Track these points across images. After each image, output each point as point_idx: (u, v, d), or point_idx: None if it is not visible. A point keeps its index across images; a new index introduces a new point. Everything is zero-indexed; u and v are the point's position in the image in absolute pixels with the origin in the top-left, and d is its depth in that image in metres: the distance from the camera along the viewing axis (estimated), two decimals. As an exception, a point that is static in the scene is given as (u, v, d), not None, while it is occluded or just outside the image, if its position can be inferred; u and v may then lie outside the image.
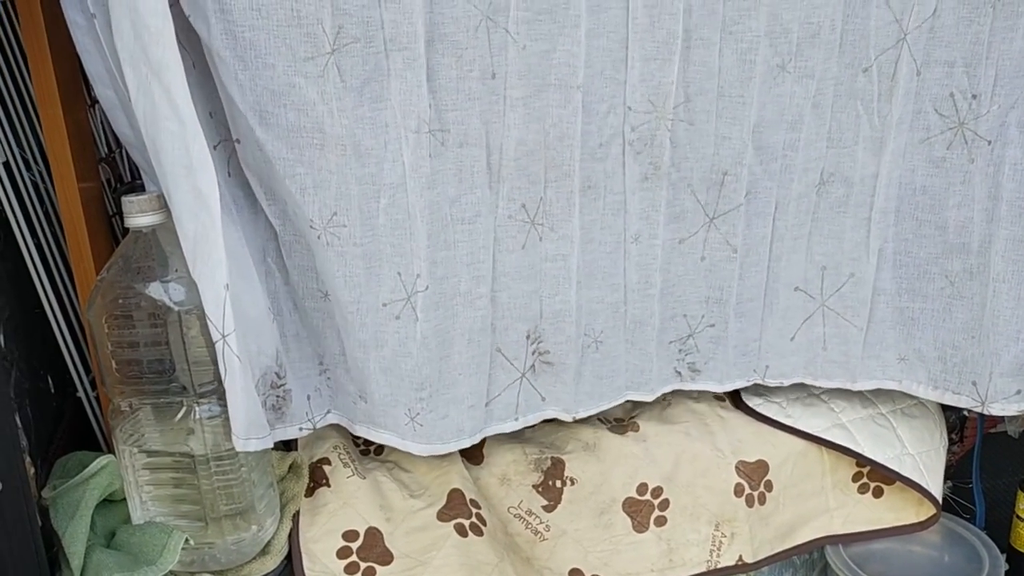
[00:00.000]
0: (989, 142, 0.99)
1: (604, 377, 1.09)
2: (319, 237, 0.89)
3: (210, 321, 0.84)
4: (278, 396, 0.97)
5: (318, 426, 1.04)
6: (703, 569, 1.16)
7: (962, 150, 1.00)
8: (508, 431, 1.07)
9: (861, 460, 1.17)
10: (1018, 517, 1.21)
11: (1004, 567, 1.15)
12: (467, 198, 0.94)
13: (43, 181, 1.08)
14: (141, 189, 0.99)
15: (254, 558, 0.96)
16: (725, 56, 0.95)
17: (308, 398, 1.02)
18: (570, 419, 1.08)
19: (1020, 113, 0.98)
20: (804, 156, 1.02)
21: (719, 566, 1.16)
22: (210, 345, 0.86)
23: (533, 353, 1.04)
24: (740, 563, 1.16)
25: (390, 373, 0.96)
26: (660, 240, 1.04)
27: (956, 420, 1.27)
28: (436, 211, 0.92)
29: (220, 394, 0.88)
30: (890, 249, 1.07)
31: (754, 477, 1.17)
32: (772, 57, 0.96)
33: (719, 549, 1.16)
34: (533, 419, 1.08)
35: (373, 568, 1.00)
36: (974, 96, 0.97)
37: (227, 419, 0.88)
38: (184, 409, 0.90)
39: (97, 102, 0.95)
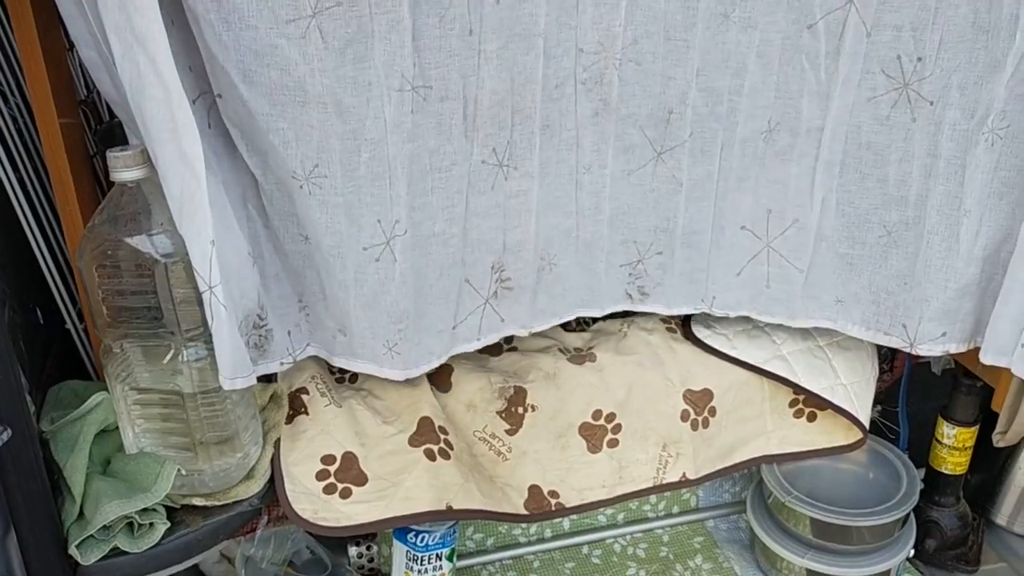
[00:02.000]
0: (931, 103, 1.03)
1: (556, 295, 1.17)
2: (301, 187, 0.94)
3: (197, 274, 0.89)
4: (260, 335, 1.03)
5: (298, 359, 1.11)
6: (650, 484, 1.27)
7: (905, 109, 1.04)
8: (471, 350, 1.15)
9: (798, 389, 1.27)
10: (936, 440, 1.33)
11: (920, 485, 1.27)
12: (445, 148, 0.98)
13: (22, 117, 1.10)
14: (120, 129, 1.03)
15: (240, 482, 1.04)
16: (670, 1, 1.01)
17: (288, 334, 1.09)
18: (526, 333, 1.17)
19: (961, 76, 1.01)
20: (750, 103, 1.07)
21: (664, 482, 1.27)
22: (196, 294, 0.91)
23: (496, 281, 1.11)
24: (683, 479, 1.28)
25: (370, 309, 1.02)
26: (609, 171, 1.10)
27: (888, 351, 1.37)
28: (416, 162, 0.97)
29: (206, 338, 0.94)
30: (833, 199, 1.12)
31: (699, 404, 1.27)
32: (715, 5, 1.01)
33: (665, 467, 1.27)
34: (493, 338, 1.16)
35: (349, 488, 1.09)
36: (919, 59, 1.01)
37: (213, 360, 0.94)
38: (172, 351, 0.96)
39: (75, 45, 0.97)
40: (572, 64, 1.02)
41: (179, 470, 0.98)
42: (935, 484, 1.35)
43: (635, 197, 1.13)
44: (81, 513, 0.95)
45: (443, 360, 1.12)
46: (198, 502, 1.01)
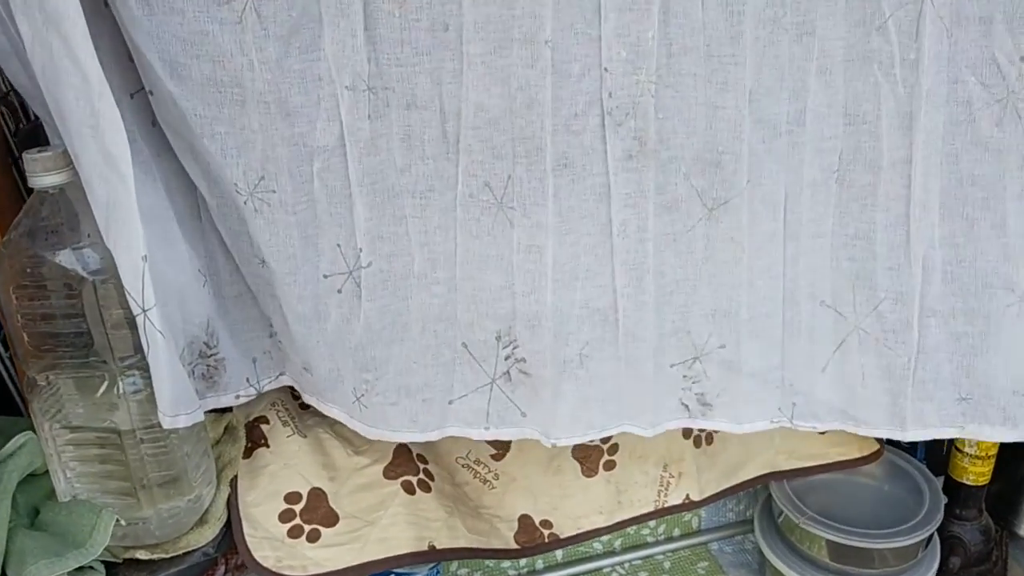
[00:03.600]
0: None
1: (592, 400, 0.93)
2: (246, 203, 0.80)
3: (129, 295, 0.77)
4: (208, 365, 0.91)
5: (265, 390, 0.97)
6: (651, 509, 1.16)
7: (1015, 126, 0.82)
8: (476, 439, 0.95)
9: (808, 398, 1.16)
10: (957, 449, 1.22)
11: (943, 499, 1.17)
12: (418, 168, 0.82)
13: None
14: (44, 130, 0.90)
15: (191, 528, 0.91)
16: (709, 7, 0.80)
17: (254, 361, 0.96)
18: (549, 444, 0.94)
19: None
20: (814, 133, 0.85)
21: (667, 505, 1.16)
22: (130, 317, 0.79)
23: (507, 359, 0.90)
24: (687, 501, 1.17)
25: (334, 347, 0.88)
26: (651, 234, 0.86)
27: (901, 354, 1.26)
28: (379, 180, 0.82)
29: (144, 366, 0.81)
30: (938, 257, 0.88)
31: (702, 418, 1.15)
32: (764, 9, 0.80)
33: (667, 489, 1.16)
34: (509, 434, 0.94)
35: (318, 530, 0.97)
36: (1022, 59, 0.81)
37: (153, 393, 0.82)
38: (106, 383, 0.83)
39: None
40: (596, 87, 0.80)
41: (118, 520, 0.85)
42: (956, 496, 1.24)
43: (685, 270, 0.89)
44: (3, 574, 0.81)
45: (431, 436, 0.94)
46: (143, 555, 0.88)
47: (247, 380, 0.96)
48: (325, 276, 0.85)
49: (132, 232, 0.75)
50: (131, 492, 0.87)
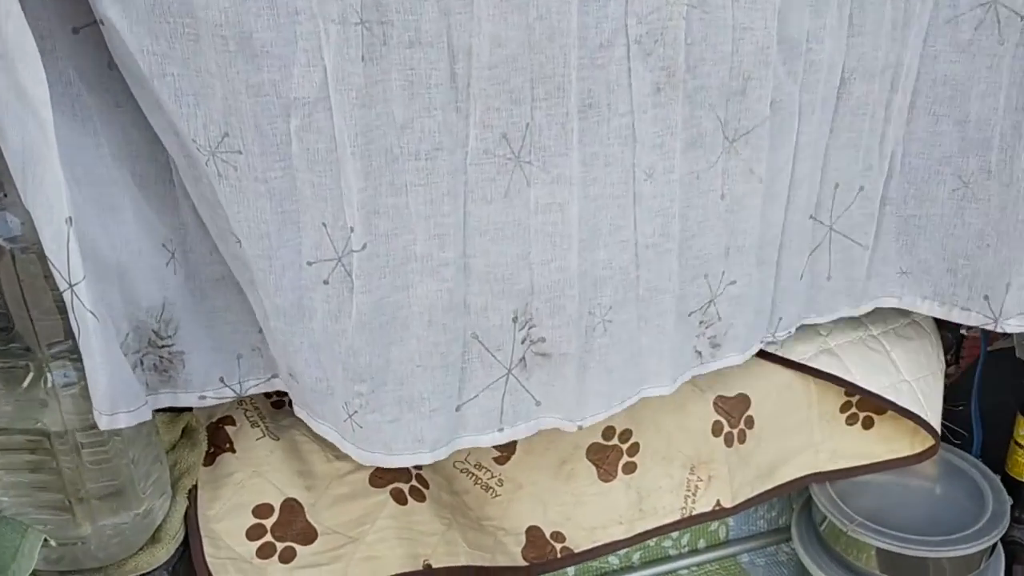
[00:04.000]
0: (1023, 17, 0.82)
1: (615, 369, 0.84)
2: (207, 163, 0.66)
3: (52, 266, 0.63)
4: (160, 356, 0.76)
5: (248, 393, 0.82)
6: (677, 517, 1.02)
7: (992, 30, 0.84)
8: (489, 444, 0.83)
9: (852, 389, 1.03)
10: (1017, 444, 1.09)
11: (1009, 501, 1.03)
12: (423, 123, 0.68)
13: None
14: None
15: (142, 548, 0.78)
16: None
17: (239, 358, 0.80)
18: (574, 429, 0.84)
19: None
20: (830, 49, 0.81)
21: (695, 513, 1.03)
22: (58, 296, 0.65)
23: (523, 342, 0.79)
24: (718, 508, 1.03)
25: (321, 351, 0.74)
26: (677, 175, 0.79)
27: (952, 340, 1.14)
28: (375, 140, 0.67)
29: (77, 355, 0.67)
30: (900, 152, 0.91)
31: (733, 413, 1.02)
32: None
33: (695, 495, 1.02)
34: (525, 430, 0.83)
35: (292, 549, 0.84)
36: None
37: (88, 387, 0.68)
38: (32, 374, 0.70)
39: None
40: (621, 12, 0.71)
41: (47, 541, 0.70)
42: (1016, 496, 1.10)
43: (705, 210, 0.83)
44: (-93, 610, 0.67)
45: (439, 456, 0.80)
46: (81, 582, 0.74)
47: (221, 379, 0.80)
48: (309, 263, 0.70)
49: (53, 189, 0.61)
50: (66, 506, 0.73)
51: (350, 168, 0.67)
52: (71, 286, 0.63)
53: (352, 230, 0.69)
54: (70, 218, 0.62)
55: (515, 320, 0.78)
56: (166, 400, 0.79)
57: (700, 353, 0.91)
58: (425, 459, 0.79)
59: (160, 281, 0.75)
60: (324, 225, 0.69)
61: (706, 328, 0.89)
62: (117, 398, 0.68)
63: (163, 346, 0.77)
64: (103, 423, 0.68)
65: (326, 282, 0.71)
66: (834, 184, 0.90)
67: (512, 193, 0.73)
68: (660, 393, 0.88)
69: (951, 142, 0.89)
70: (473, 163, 0.71)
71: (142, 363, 0.75)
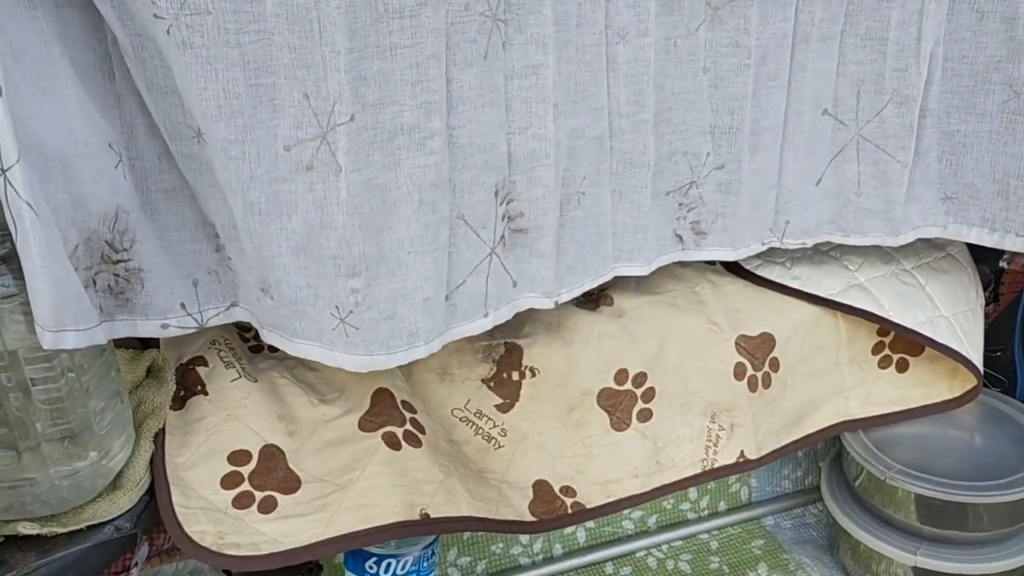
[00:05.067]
0: None
1: (588, 243, 0.82)
2: (169, 32, 0.58)
3: (-25, 142, 0.54)
4: (116, 275, 0.68)
5: (209, 324, 0.74)
6: (698, 471, 0.93)
7: None
8: (478, 331, 0.77)
9: (885, 327, 0.95)
10: (1064, 386, 1.01)
11: (1059, 446, 0.95)
12: None
13: None
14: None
15: (100, 495, 0.69)
16: None
17: (195, 284, 0.72)
18: (551, 305, 0.80)
19: None
20: None
21: (716, 465, 0.94)
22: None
23: (503, 218, 0.75)
24: (742, 460, 0.94)
25: (305, 254, 0.67)
26: (652, 38, 0.77)
27: (991, 275, 1.06)
28: None
29: (15, 259, 0.59)
30: (940, 53, 0.83)
31: (757, 355, 0.94)
32: None
33: (716, 445, 0.93)
34: (507, 312, 0.79)
35: (273, 498, 0.74)
36: None
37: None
38: (-37, 286, 0.61)
39: None
40: None
41: (-16, 479, 0.61)
42: (1063, 446, 1.02)
43: (685, 81, 0.81)
44: None
45: (433, 348, 0.74)
46: (28, 529, 0.66)
47: (183, 306, 0.73)
48: (287, 148, 0.64)
49: None
50: (11, 443, 0.64)
51: (334, 27, 0.60)
52: (3, 171, 0.54)
53: (336, 102, 0.62)
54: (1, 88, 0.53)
55: (496, 194, 0.74)
56: (124, 329, 0.70)
57: (681, 238, 0.88)
58: (419, 353, 0.73)
59: (111, 185, 0.66)
60: (306, 97, 0.62)
61: (687, 211, 0.86)
62: (63, 312, 0.59)
63: (118, 261, 0.68)
64: (46, 341, 0.59)
65: (310, 168, 0.64)
66: (857, 81, 0.84)
67: (491, 55, 0.69)
68: (634, 272, 0.86)
69: (999, 44, 0.82)
70: (455, 22, 0.67)
71: (95, 283, 0.66)
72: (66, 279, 0.60)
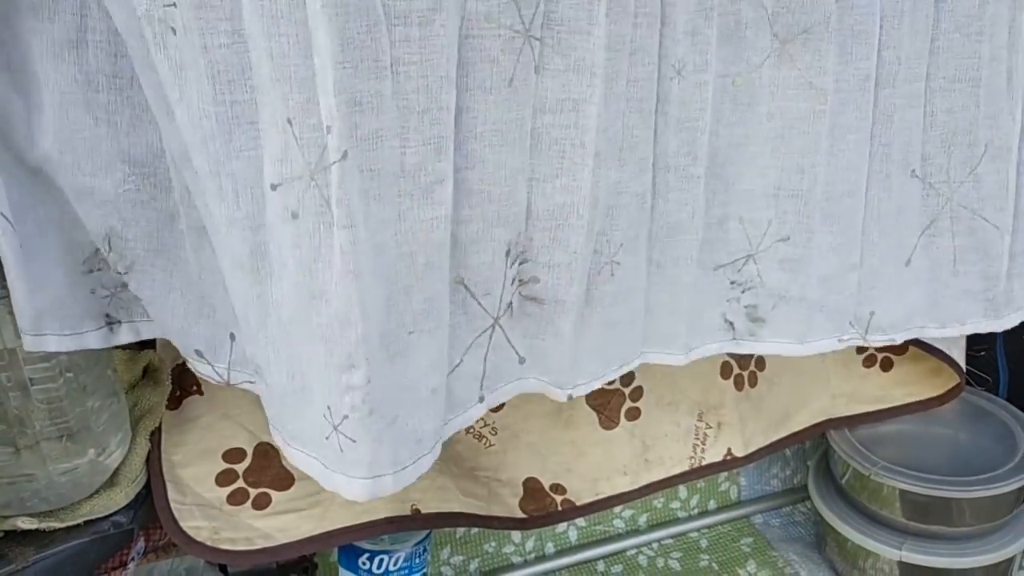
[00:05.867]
0: None
1: (617, 325, 0.68)
2: (146, 24, 0.51)
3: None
4: (110, 281, 0.65)
5: (234, 382, 0.65)
6: (685, 468, 0.95)
7: None
8: (469, 422, 0.66)
9: (869, 326, 0.96)
10: (1047, 383, 1.02)
11: (1042, 442, 0.96)
12: None
13: None
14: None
15: (97, 491, 0.70)
16: None
17: (232, 337, 0.63)
18: (564, 397, 0.68)
19: None
20: None
21: (704, 463, 0.95)
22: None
23: (514, 281, 0.64)
24: (729, 457, 0.96)
25: (295, 330, 0.56)
26: (711, 75, 0.64)
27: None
28: None
29: (14, 262, 0.60)
30: None
31: (743, 354, 0.95)
32: None
33: (704, 443, 0.95)
34: (504, 394, 0.68)
35: (267, 495, 0.76)
36: None
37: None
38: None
39: None
40: None
41: (-15, 474, 0.63)
42: (1047, 442, 1.03)
43: (745, 128, 0.68)
44: None
45: (435, 455, 0.62)
46: (27, 524, 0.66)
47: (198, 353, 0.65)
48: (274, 186, 0.52)
49: None
50: (9, 439, 0.65)
51: (324, 25, 0.48)
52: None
53: (329, 128, 0.50)
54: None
55: (507, 253, 0.62)
56: (125, 335, 0.68)
57: (732, 325, 0.74)
58: (425, 465, 0.60)
59: (111, 177, 0.59)
60: (289, 123, 0.50)
61: (741, 292, 0.73)
62: (43, 316, 0.59)
63: (103, 259, 0.66)
64: (27, 343, 0.60)
65: (295, 216, 0.52)
66: (948, 133, 0.72)
67: (518, 81, 0.57)
68: (668, 362, 0.73)
69: None
70: (470, 35, 0.55)
71: (94, 293, 0.65)
72: (51, 278, 0.60)
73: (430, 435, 0.60)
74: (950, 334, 0.81)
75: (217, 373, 0.64)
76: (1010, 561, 0.94)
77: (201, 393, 0.79)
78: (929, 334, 0.80)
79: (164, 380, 0.78)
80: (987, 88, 0.71)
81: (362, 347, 0.54)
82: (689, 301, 0.71)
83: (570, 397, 0.68)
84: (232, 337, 0.62)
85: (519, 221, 0.62)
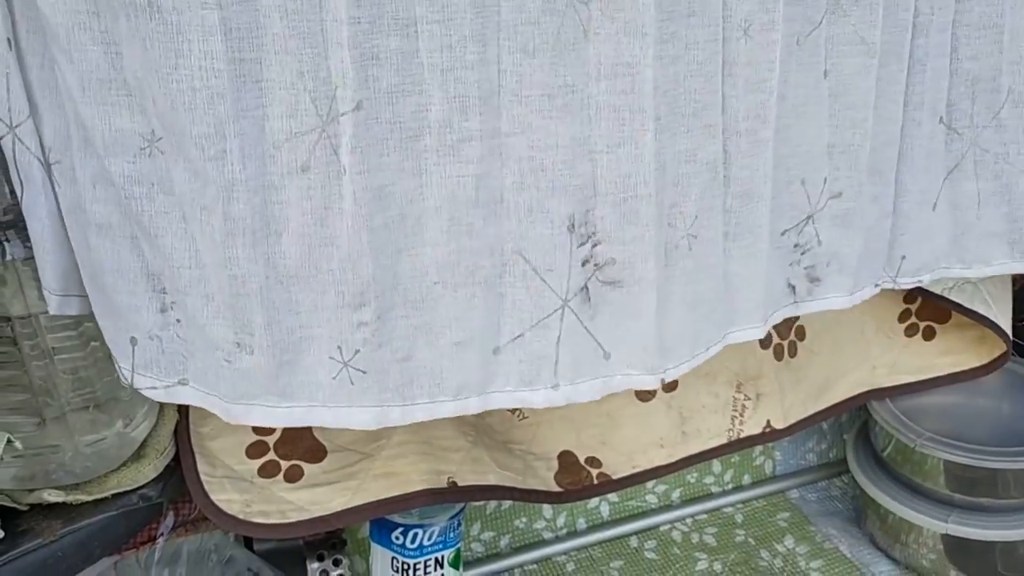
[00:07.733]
0: None
1: (700, 303, 0.66)
2: None
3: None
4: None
5: (168, 400, 0.61)
6: (724, 440, 0.92)
7: None
8: (541, 405, 0.64)
9: (911, 293, 0.93)
10: (1094, 351, 0.99)
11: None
12: None
13: None
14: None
15: (125, 464, 0.68)
16: None
17: (132, 342, 0.58)
18: (656, 384, 0.66)
19: None
20: None
21: (743, 435, 0.92)
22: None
23: (585, 264, 0.61)
24: (768, 430, 0.93)
25: (298, 284, 0.55)
26: (779, 34, 0.62)
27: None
28: None
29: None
30: None
31: (783, 323, 0.92)
32: None
33: (742, 415, 0.92)
34: (590, 391, 0.65)
35: (299, 467, 0.73)
36: None
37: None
38: (-15, 247, 0.60)
39: None
40: None
41: (11, 441, 0.60)
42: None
43: (807, 88, 0.67)
44: None
45: (469, 408, 0.62)
46: (54, 497, 0.64)
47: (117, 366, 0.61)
48: (277, 145, 0.52)
49: None
50: (36, 409, 0.63)
51: None
52: (12, 127, 0.53)
53: (338, 86, 0.51)
54: (10, 39, 0.52)
55: (571, 229, 0.60)
56: None
57: (794, 288, 0.73)
58: (446, 409, 0.61)
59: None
60: (301, 77, 0.50)
61: (802, 254, 0.71)
62: (70, 276, 0.58)
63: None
64: (52, 305, 0.58)
65: (305, 168, 0.52)
66: (970, 79, 0.72)
67: (564, 45, 0.56)
68: (748, 338, 0.71)
69: None
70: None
71: None
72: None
73: (456, 386, 0.60)
74: (975, 275, 0.81)
75: (126, 380, 0.59)
76: (1060, 533, 0.92)
77: (230, 363, 0.76)
78: (955, 274, 0.81)
79: (191, 350, 0.76)
80: (1010, 34, 0.72)
81: (372, 286, 0.55)
82: (762, 270, 0.69)
83: (662, 381, 0.66)
84: (132, 341, 0.58)
85: (583, 195, 0.60)
